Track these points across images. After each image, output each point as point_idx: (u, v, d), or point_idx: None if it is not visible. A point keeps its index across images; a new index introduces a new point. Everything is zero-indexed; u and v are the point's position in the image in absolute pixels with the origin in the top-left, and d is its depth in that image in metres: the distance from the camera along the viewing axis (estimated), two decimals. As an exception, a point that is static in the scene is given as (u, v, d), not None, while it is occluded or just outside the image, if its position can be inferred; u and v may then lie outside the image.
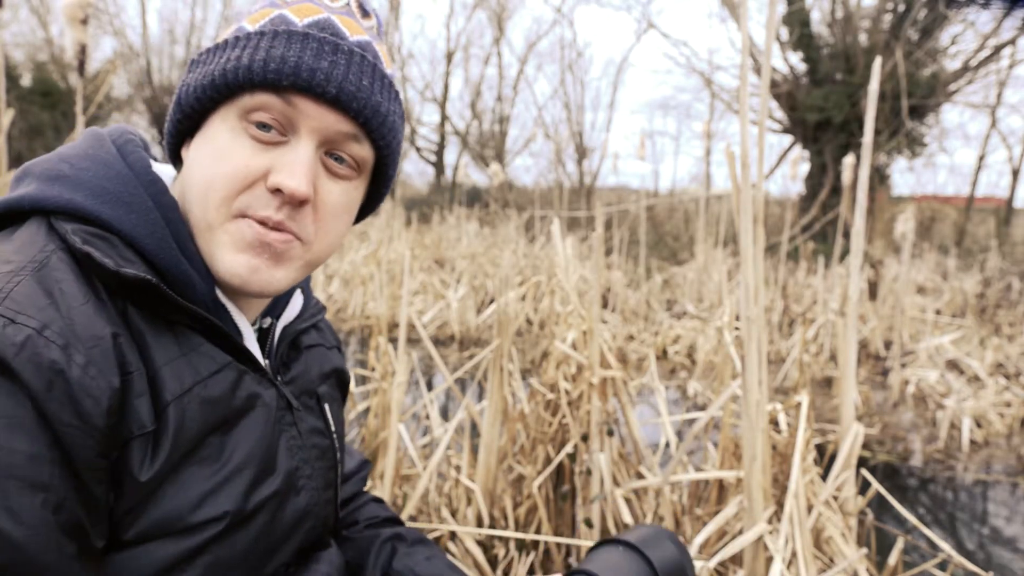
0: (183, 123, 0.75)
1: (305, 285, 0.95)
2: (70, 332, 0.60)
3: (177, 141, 0.78)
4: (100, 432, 0.60)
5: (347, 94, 0.71)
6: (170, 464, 0.66)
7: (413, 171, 25.18)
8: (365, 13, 0.78)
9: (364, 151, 0.76)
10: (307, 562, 0.84)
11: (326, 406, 0.90)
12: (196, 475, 0.68)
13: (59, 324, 0.60)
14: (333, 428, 0.90)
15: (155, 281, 0.66)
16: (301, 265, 0.75)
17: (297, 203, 0.71)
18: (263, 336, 0.85)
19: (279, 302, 0.88)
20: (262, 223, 0.70)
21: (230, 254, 0.71)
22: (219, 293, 0.75)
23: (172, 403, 0.66)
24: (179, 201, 0.75)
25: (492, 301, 7.32)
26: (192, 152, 0.75)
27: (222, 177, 0.70)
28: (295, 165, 0.70)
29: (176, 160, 0.79)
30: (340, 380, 0.99)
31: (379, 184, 0.83)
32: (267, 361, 0.83)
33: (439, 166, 21.10)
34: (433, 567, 0.96)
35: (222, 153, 0.71)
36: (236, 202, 0.70)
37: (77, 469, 0.59)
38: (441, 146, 21.07)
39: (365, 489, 1.11)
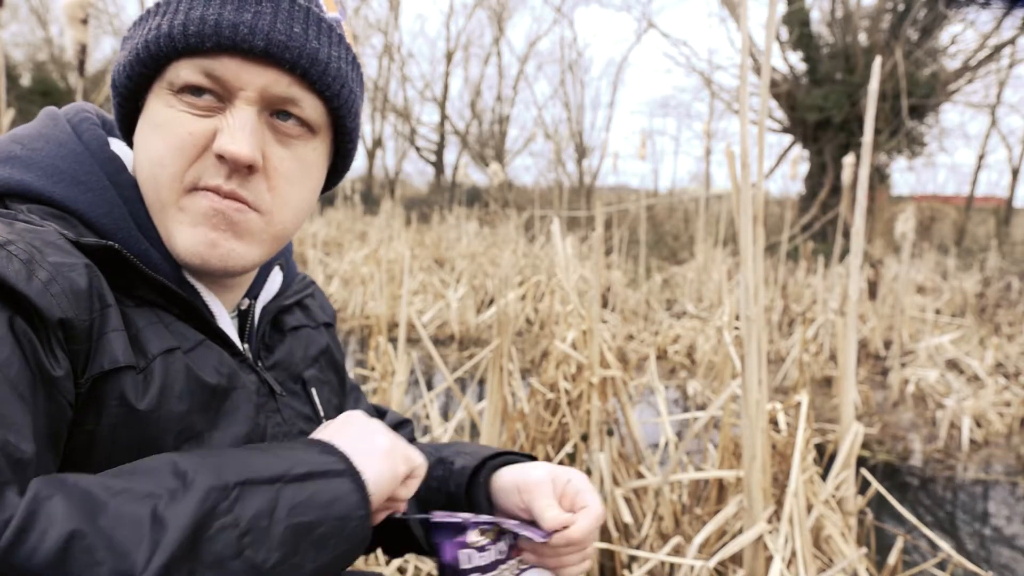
0: (124, 106, 0.72)
1: (286, 261, 0.90)
2: (36, 251, 0.58)
3: (126, 127, 0.74)
4: (57, 344, 0.56)
5: (277, 45, 0.65)
6: (160, 418, 0.63)
7: (413, 171, 25.24)
8: None
9: (311, 105, 0.70)
10: None
11: (313, 391, 0.86)
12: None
13: (24, 242, 0.58)
14: (323, 413, 0.86)
15: (117, 247, 0.63)
16: (266, 239, 0.71)
17: (245, 170, 0.66)
18: (242, 321, 0.81)
19: (257, 282, 0.84)
20: (214, 192, 0.67)
21: (187, 229, 0.67)
22: (186, 274, 0.72)
23: (159, 356, 0.64)
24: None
25: (492, 301, 7.33)
26: (138, 136, 0.71)
27: (168, 150, 0.66)
28: (236, 129, 0.65)
29: (130, 143, 0.75)
30: (331, 361, 0.93)
31: (343, 141, 0.77)
32: (246, 346, 0.79)
33: (439, 166, 21.11)
34: (460, 446, 0.95)
35: (163, 127, 0.67)
36: (187, 175, 0.67)
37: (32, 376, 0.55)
38: (441, 146, 21.08)
39: None
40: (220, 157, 0.66)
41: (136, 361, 0.62)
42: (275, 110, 0.69)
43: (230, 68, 0.65)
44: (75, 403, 0.59)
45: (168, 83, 0.67)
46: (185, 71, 0.66)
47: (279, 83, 0.67)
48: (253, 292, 0.83)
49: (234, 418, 0.70)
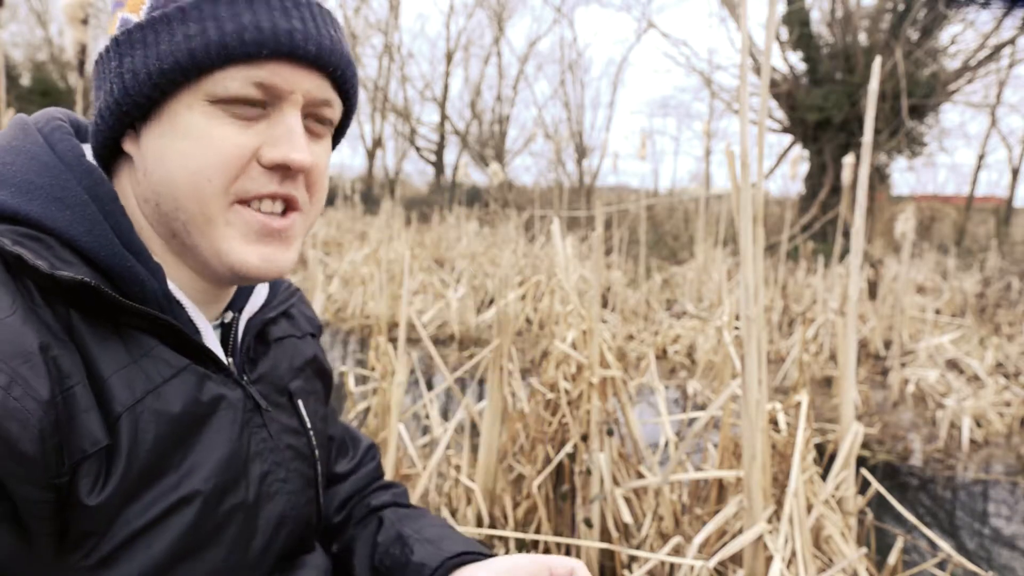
0: (131, 114, 0.67)
1: None
2: None
3: (116, 134, 0.69)
4: (32, 459, 0.55)
5: (325, 51, 0.67)
6: (127, 482, 0.61)
7: (413, 171, 25.24)
8: None
9: (338, 106, 0.72)
10: (292, 569, 0.80)
11: (299, 402, 0.84)
12: (159, 490, 0.63)
13: None
14: (309, 425, 0.84)
15: (93, 283, 0.60)
16: (301, 236, 0.73)
17: (298, 173, 0.68)
18: (226, 332, 0.78)
19: (240, 294, 0.82)
20: (270, 198, 0.67)
21: (240, 246, 0.67)
22: (173, 288, 0.69)
23: (124, 414, 0.61)
24: (131, 196, 0.69)
25: (492, 301, 7.32)
26: (153, 145, 0.67)
27: (215, 166, 0.64)
28: (293, 136, 0.66)
29: (108, 152, 0.71)
30: (318, 370, 0.91)
31: (338, 135, 0.79)
32: (230, 360, 0.76)
33: (439, 166, 21.11)
34: (423, 525, 0.90)
35: (205, 140, 0.64)
36: (234, 188, 0.66)
37: (10, 502, 0.55)
38: (441, 146, 21.08)
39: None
40: (274, 167, 0.66)
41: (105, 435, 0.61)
42: (309, 112, 0.70)
43: (280, 74, 0.65)
44: (55, 496, 0.57)
45: (206, 94, 0.64)
46: (234, 83, 0.64)
47: (321, 87, 0.68)
48: (237, 305, 0.81)
49: (212, 444, 0.68)
